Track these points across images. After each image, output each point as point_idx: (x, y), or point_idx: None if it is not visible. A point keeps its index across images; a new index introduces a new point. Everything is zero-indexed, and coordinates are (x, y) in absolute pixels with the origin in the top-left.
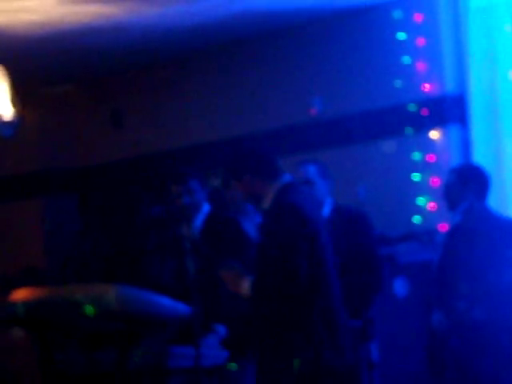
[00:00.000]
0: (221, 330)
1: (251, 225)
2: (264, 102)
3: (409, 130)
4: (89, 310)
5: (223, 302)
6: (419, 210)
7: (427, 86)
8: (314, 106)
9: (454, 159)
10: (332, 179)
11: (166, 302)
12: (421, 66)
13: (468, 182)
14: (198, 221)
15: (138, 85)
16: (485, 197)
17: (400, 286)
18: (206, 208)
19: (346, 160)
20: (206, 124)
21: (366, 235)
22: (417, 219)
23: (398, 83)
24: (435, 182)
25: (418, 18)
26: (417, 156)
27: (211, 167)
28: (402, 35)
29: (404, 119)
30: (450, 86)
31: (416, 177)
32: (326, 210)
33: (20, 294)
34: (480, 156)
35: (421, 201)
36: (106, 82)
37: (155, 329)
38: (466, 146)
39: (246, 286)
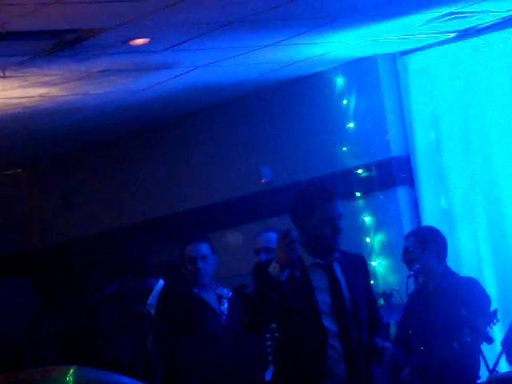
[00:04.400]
0: None
1: (213, 296)
2: (214, 174)
3: (358, 194)
4: None
5: (182, 377)
6: (372, 273)
7: (373, 150)
8: (263, 175)
9: (404, 220)
10: None
11: (125, 380)
12: (366, 130)
13: (427, 244)
14: (153, 298)
15: (89, 164)
16: (444, 257)
17: None
18: (160, 283)
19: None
20: (156, 200)
21: None
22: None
23: (344, 148)
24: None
25: (359, 83)
26: (367, 219)
27: (169, 240)
28: (345, 101)
29: (352, 183)
30: (395, 149)
31: (367, 239)
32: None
33: None
34: (428, 216)
35: (374, 264)
36: (57, 163)
37: None
38: (414, 206)
39: None
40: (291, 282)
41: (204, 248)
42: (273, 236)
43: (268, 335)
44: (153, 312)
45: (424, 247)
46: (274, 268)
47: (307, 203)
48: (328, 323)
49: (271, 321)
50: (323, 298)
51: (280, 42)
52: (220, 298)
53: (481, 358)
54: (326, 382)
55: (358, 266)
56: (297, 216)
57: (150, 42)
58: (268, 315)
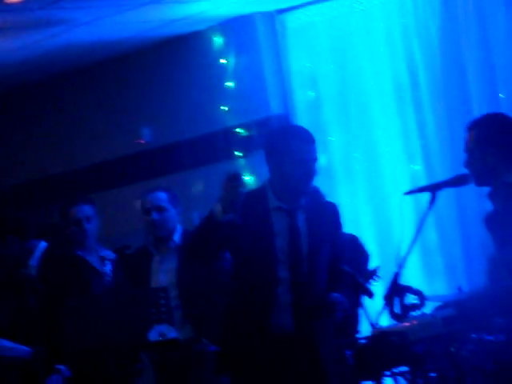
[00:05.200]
0: (64, 370)
1: (96, 258)
2: (94, 135)
3: (238, 153)
4: None
5: (66, 341)
6: None
7: (253, 109)
8: (143, 136)
9: None
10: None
11: (4, 343)
12: (245, 89)
13: None
14: (35, 259)
15: None
16: None
17: None
18: (42, 245)
19: (179, 187)
20: (37, 160)
21: None
22: None
23: (223, 108)
24: None
25: (238, 41)
26: (248, 178)
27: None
28: (224, 60)
29: (232, 143)
30: (274, 107)
31: None
32: (177, 237)
33: None
34: None
35: None
36: None
37: None
38: None
39: None
40: (247, 224)
41: (89, 209)
42: (162, 195)
43: (162, 294)
44: (34, 273)
45: None
46: (216, 209)
47: (284, 143)
48: (281, 270)
49: (211, 259)
50: (281, 244)
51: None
52: (103, 260)
53: (363, 312)
54: (271, 332)
55: (328, 214)
56: (271, 155)
57: (24, 0)
58: (207, 254)
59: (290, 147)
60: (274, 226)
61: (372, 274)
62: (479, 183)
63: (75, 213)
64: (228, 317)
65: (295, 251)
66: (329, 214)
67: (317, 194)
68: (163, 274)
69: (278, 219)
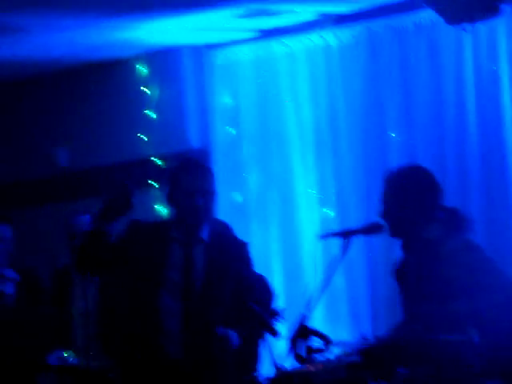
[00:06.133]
0: None
1: None
2: (14, 152)
3: (154, 183)
4: None
5: None
6: None
7: (172, 141)
8: (59, 158)
9: None
10: None
11: None
12: (166, 121)
13: None
14: None
15: None
16: None
17: None
18: None
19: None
20: None
21: None
22: None
23: (142, 137)
24: None
25: (163, 72)
26: (161, 209)
27: None
28: (146, 89)
29: (149, 172)
30: (194, 141)
31: None
32: None
33: None
34: (223, 210)
35: None
36: None
37: None
38: None
39: None
40: (142, 252)
41: (5, 229)
42: (87, 219)
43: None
44: None
45: None
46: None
47: (174, 176)
48: (171, 300)
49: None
50: (173, 274)
51: (86, 24)
52: (3, 279)
53: (267, 351)
54: (161, 359)
55: (233, 250)
56: (167, 187)
57: None
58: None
59: (178, 179)
60: (170, 256)
61: (277, 314)
62: (394, 234)
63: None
64: (121, 341)
65: (187, 282)
66: (234, 250)
67: (223, 229)
68: (83, 299)
69: (174, 250)
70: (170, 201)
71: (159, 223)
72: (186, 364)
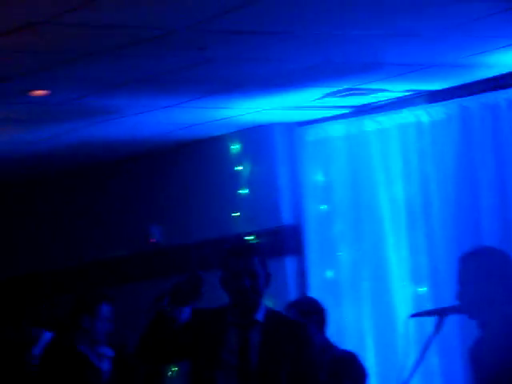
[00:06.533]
0: None
1: (94, 354)
2: (107, 230)
3: None
4: None
5: None
6: None
7: (264, 217)
8: (154, 235)
9: (291, 289)
10: None
11: None
12: (258, 197)
13: (310, 316)
14: (38, 348)
15: None
16: (324, 328)
17: None
18: (46, 335)
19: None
20: (55, 251)
21: None
22: None
23: (235, 214)
24: None
25: (255, 150)
26: None
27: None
28: (239, 166)
29: None
30: (286, 217)
31: None
32: None
33: None
34: (315, 287)
35: None
36: None
37: None
38: (301, 276)
39: None
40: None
41: (110, 309)
42: None
43: None
44: (36, 363)
45: (306, 319)
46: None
47: (222, 259)
48: (224, 381)
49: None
50: (229, 357)
51: (180, 103)
52: (100, 356)
53: None
54: None
55: (292, 333)
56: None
57: (49, 94)
58: (159, 354)
59: (226, 262)
60: (227, 340)
61: None
62: (472, 316)
63: (105, 311)
64: None
65: (242, 364)
66: (291, 330)
67: (278, 312)
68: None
69: (231, 334)
70: (223, 284)
71: (219, 309)
72: None
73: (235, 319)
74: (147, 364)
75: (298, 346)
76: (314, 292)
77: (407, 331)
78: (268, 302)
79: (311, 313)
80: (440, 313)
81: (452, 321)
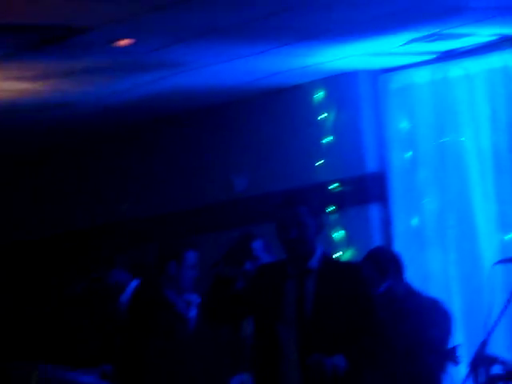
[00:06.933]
0: None
1: (182, 302)
2: (189, 180)
3: (330, 208)
4: None
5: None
6: None
7: (348, 165)
8: (237, 184)
9: (375, 237)
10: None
11: (84, 379)
12: (342, 145)
13: (386, 267)
14: (125, 297)
15: (59, 164)
16: (403, 276)
17: None
18: (133, 283)
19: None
20: (140, 200)
21: None
22: None
23: (319, 162)
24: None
25: (339, 97)
26: (338, 233)
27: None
28: (323, 115)
29: (325, 198)
30: (370, 165)
31: (339, 253)
32: None
33: None
34: (399, 235)
35: None
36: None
37: None
38: (385, 224)
39: None
40: (261, 292)
41: (197, 256)
42: (258, 244)
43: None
44: (123, 310)
45: (383, 271)
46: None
47: (273, 211)
48: (285, 332)
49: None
50: (287, 308)
51: (262, 52)
52: (188, 304)
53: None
54: None
55: (346, 276)
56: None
57: (135, 43)
58: (224, 313)
59: (276, 216)
60: (285, 291)
61: (452, 353)
62: None
63: (191, 258)
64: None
65: (300, 313)
66: (345, 275)
67: (333, 258)
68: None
69: (288, 285)
70: (277, 236)
71: (280, 262)
72: None
73: (292, 270)
74: (213, 323)
75: (353, 287)
76: (399, 240)
77: (493, 278)
78: (351, 250)
79: (387, 261)
80: None
81: None
